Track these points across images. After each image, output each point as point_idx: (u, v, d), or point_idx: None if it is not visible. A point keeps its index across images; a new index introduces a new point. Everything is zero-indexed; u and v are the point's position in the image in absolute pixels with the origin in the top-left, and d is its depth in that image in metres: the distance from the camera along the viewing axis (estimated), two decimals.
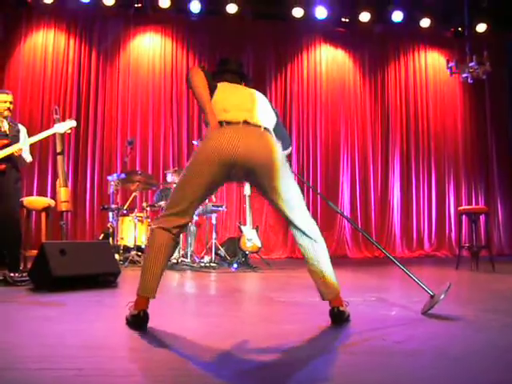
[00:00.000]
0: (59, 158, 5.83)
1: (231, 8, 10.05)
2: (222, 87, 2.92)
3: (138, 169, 9.14)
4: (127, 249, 7.23)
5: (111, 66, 10.07)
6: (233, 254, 7.45)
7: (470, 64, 8.34)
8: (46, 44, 9.81)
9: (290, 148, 3.21)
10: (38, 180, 9.38)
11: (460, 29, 10.80)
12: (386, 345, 2.34)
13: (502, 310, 3.49)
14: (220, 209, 7.51)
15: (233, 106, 2.82)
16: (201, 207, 7.23)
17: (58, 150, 5.70)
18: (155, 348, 2.29)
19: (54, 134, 5.37)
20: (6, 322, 2.86)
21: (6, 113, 5.03)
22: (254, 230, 7.31)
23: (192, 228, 7.26)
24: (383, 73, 11.22)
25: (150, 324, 2.65)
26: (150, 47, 10.33)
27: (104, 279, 4.50)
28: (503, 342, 2.45)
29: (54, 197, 6.58)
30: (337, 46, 11.10)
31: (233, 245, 7.65)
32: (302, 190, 2.93)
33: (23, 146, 5.01)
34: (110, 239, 7.18)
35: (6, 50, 9.62)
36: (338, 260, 9.54)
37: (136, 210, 7.52)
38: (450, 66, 8.71)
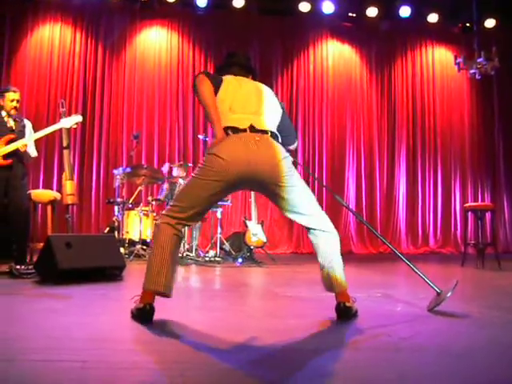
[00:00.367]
0: (65, 152, 5.85)
1: (238, 2, 10.03)
2: (228, 81, 2.91)
3: (143, 163, 9.14)
4: (132, 243, 7.23)
5: (117, 60, 10.06)
6: (238, 248, 7.45)
7: (478, 60, 8.28)
8: (52, 38, 9.80)
9: (296, 142, 3.21)
10: (44, 173, 9.40)
11: (468, 24, 10.74)
12: (391, 341, 2.33)
13: (506, 307, 3.48)
14: (225, 203, 7.51)
15: (239, 107, 2.82)
16: None
17: (64, 144, 5.72)
18: (160, 341, 2.29)
19: (60, 129, 5.38)
20: (11, 314, 2.87)
21: (13, 111, 5.06)
22: (259, 225, 7.31)
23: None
24: (390, 68, 11.17)
25: (155, 318, 2.66)
26: (156, 41, 10.31)
27: (110, 272, 4.51)
28: (507, 339, 2.45)
29: (59, 190, 6.59)
30: (344, 41, 11.05)
31: (238, 239, 7.66)
32: (308, 184, 2.92)
33: (28, 142, 5.02)
34: (116, 233, 7.19)
35: (12, 44, 9.61)
36: (342, 256, 9.51)
37: (141, 204, 7.54)
38: (457, 61, 8.65)
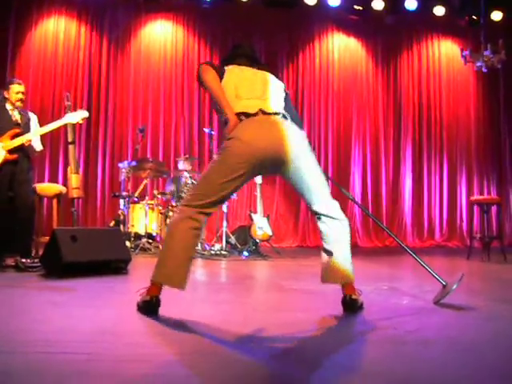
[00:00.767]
0: (71, 147, 5.85)
1: None
2: (230, 70, 2.91)
3: (148, 156, 9.15)
4: (138, 236, 7.23)
5: (122, 54, 10.05)
6: (243, 242, 7.45)
7: (485, 53, 8.23)
8: (56, 31, 9.79)
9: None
10: (50, 167, 9.41)
11: (475, 17, 10.67)
12: (398, 334, 2.33)
13: None
14: (231, 197, 7.49)
15: (245, 92, 2.82)
16: None
17: (70, 139, 5.72)
18: (165, 334, 2.29)
19: (65, 124, 5.36)
20: (16, 307, 2.88)
21: (18, 103, 5.05)
22: (265, 219, 7.31)
23: None
24: (396, 61, 11.12)
25: (161, 311, 2.65)
26: (161, 35, 10.29)
27: (115, 266, 4.52)
28: None
29: (65, 184, 6.60)
30: (349, 34, 11.00)
31: (243, 233, 7.65)
32: None
33: (32, 137, 5.01)
34: (121, 226, 7.19)
35: (17, 37, 9.60)
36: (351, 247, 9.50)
37: (147, 198, 7.53)
38: (464, 54, 8.60)
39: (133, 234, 7.18)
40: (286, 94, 3.03)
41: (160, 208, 7.44)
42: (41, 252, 4.58)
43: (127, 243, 6.31)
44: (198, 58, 10.29)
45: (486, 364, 1.88)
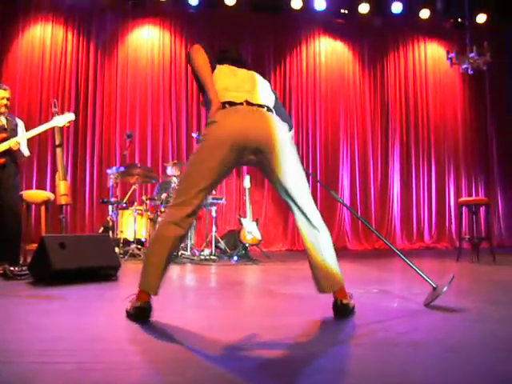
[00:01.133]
0: (58, 150, 5.81)
1: (230, 0, 10.01)
2: (220, 68, 2.92)
3: (137, 162, 9.12)
4: (127, 242, 7.20)
5: (109, 59, 10.03)
6: (233, 246, 7.44)
7: (471, 55, 8.31)
8: (43, 38, 9.75)
9: (292, 131, 3.13)
10: (38, 174, 9.36)
11: (460, 19, 10.75)
12: (389, 336, 2.33)
13: (502, 301, 3.48)
14: (220, 201, 7.50)
15: (234, 86, 2.82)
16: None
17: (57, 142, 5.68)
18: (157, 341, 2.28)
19: (52, 128, 5.35)
20: (6, 315, 2.85)
21: (3, 109, 5.03)
22: (254, 223, 7.31)
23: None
24: (383, 64, 11.18)
25: (151, 317, 2.64)
26: (148, 40, 10.28)
27: (105, 272, 4.49)
28: (502, 333, 2.45)
29: (53, 190, 6.56)
30: (336, 37, 11.06)
31: (233, 237, 7.65)
32: (306, 175, 2.88)
33: (21, 140, 5.00)
34: (110, 233, 7.16)
35: (3, 43, 9.56)
36: (337, 252, 9.52)
37: (135, 204, 7.50)
38: (449, 56, 8.68)
39: (122, 240, 7.16)
40: (276, 97, 3.03)
41: (149, 214, 7.42)
42: (29, 260, 4.55)
43: (116, 249, 6.28)
44: (186, 63, 10.29)
45: (475, 365, 1.89)
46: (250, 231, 7.17)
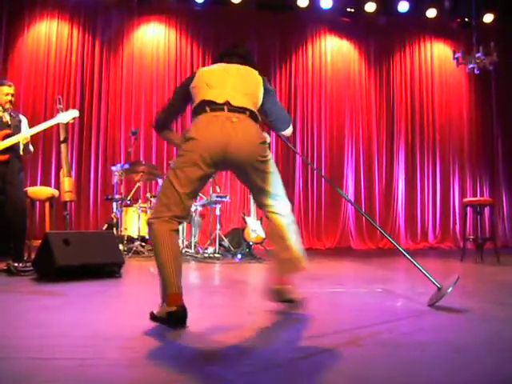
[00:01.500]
0: (63, 147, 5.81)
1: None
2: (200, 70, 2.95)
3: (141, 159, 9.12)
4: (131, 239, 7.21)
5: (115, 57, 10.02)
6: (237, 244, 7.44)
7: (477, 54, 8.27)
8: (49, 34, 9.74)
9: (290, 129, 3.13)
10: (42, 170, 9.36)
11: (466, 19, 10.70)
12: (392, 337, 2.32)
13: (506, 301, 3.47)
14: (224, 199, 7.48)
15: (215, 82, 2.80)
16: (205, 198, 7.23)
17: (62, 138, 5.68)
18: (159, 338, 2.27)
19: (57, 124, 5.35)
20: (8, 311, 2.85)
21: (8, 105, 5.03)
22: (259, 221, 7.30)
23: (196, 219, 7.25)
24: (388, 64, 11.14)
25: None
26: (153, 37, 10.27)
27: (108, 269, 4.49)
28: (508, 333, 2.44)
29: (57, 187, 6.56)
30: (342, 36, 11.02)
31: (237, 236, 7.64)
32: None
33: (28, 135, 5.01)
34: (114, 229, 7.16)
35: (9, 40, 9.56)
36: (341, 251, 9.54)
37: (140, 201, 7.51)
38: (456, 56, 8.64)
39: (126, 237, 7.16)
40: (268, 90, 2.95)
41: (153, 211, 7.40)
42: (33, 256, 4.55)
43: (120, 246, 6.29)
44: (191, 61, 10.29)
45: (481, 366, 1.88)
46: (255, 229, 7.16)
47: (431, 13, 10.73)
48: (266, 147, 2.80)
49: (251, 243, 7.15)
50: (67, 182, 5.73)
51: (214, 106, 2.70)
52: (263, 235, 7.19)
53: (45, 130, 5.30)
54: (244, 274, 5.37)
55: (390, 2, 10.55)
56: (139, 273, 5.17)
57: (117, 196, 7.34)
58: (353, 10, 10.73)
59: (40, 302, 3.18)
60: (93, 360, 1.87)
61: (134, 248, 6.84)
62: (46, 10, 9.77)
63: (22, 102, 8.94)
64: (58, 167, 8.71)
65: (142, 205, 7.33)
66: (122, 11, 10.06)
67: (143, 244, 7.11)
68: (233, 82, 2.82)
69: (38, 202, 6.25)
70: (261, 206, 2.94)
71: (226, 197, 7.47)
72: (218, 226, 7.21)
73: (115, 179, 7.49)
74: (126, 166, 7.34)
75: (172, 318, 2.45)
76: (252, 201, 7.42)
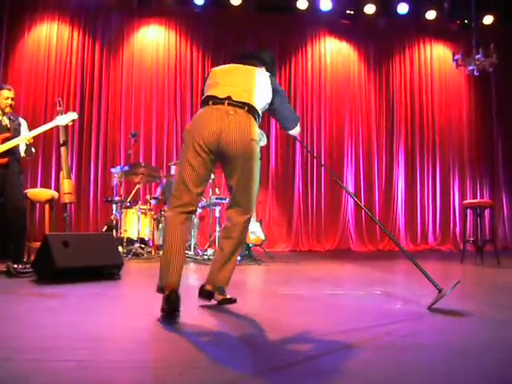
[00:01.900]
0: (63, 149, 5.82)
1: (235, 0, 10.00)
2: (216, 68, 3.17)
3: (141, 161, 9.12)
4: (130, 241, 7.20)
5: (115, 59, 10.03)
6: None
7: (477, 56, 8.28)
8: (49, 37, 9.76)
9: (298, 128, 3.34)
10: (42, 172, 9.36)
11: (466, 21, 10.71)
12: (391, 339, 2.32)
13: (506, 304, 3.47)
14: (223, 201, 7.46)
15: (223, 79, 3.02)
16: (204, 200, 7.23)
17: (61, 140, 5.69)
18: (158, 340, 2.27)
19: (57, 127, 5.36)
20: (8, 313, 2.85)
21: (8, 109, 5.03)
22: (258, 223, 7.29)
23: (195, 220, 7.25)
24: (388, 65, 11.15)
25: (153, 316, 2.63)
26: (153, 39, 10.28)
27: (108, 271, 4.49)
28: (507, 336, 2.44)
29: (57, 189, 6.57)
30: (341, 38, 11.03)
31: None
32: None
33: (30, 137, 5.01)
34: (114, 231, 7.16)
35: (10, 42, 9.56)
36: (341, 253, 9.53)
37: (139, 203, 7.51)
38: (455, 58, 8.65)
39: (125, 239, 7.16)
40: (276, 90, 3.10)
41: (152, 213, 7.42)
42: (33, 257, 4.55)
43: (120, 248, 6.29)
44: (191, 63, 10.30)
45: (480, 368, 1.88)
46: (254, 231, 7.15)
47: (431, 15, 10.73)
48: (255, 146, 2.93)
49: (250, 245, 7.15)
50: (67, 184, 5.74)
51: (216, 99, 2.93)
52: (262, 237, 7.19)
53: (45, 132, 5.30)
54: (243, 276, 5.36)
55: (389, 3, 10.55)
56: (139, 275, 5.17)
57: (116, 198, 7.34)
58: (352, 12, 10.74)
59: (39, 304, 3.18)
60: (91, 362, 1.87)
61: (134, 250, 6.84)
62: (46, 13, 9.79)
63: (22, 105, 8.96)
64: (58, 169, 8.71)
65: (141, 207, 7.33)
66: (122, 13, 10.08)
67: (143, 246, 7.11)
68: (236, 79, 3.01)
69: (37, 204, 6.26)
70: (229, 206, 3.10)
71: (225, 199, 7.45)
72: (218, 228, 7.21)
73: (115, 181, 7.49)
74: (126, 168, 7.34)
75: (165, 302, 2.67)
76: None
